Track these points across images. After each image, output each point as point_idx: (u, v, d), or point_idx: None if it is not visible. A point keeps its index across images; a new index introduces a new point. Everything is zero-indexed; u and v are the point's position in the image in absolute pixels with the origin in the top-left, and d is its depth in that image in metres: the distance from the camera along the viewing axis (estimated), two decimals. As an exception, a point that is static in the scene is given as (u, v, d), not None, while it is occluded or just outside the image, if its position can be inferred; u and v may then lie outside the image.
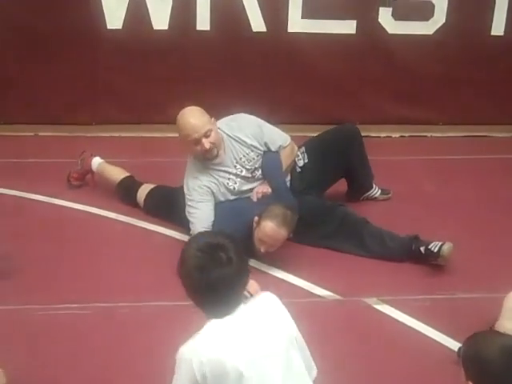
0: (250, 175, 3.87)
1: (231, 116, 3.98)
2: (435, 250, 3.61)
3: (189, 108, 3.80)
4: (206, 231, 2.31)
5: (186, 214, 3.76)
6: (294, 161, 4.06)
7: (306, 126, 5.06)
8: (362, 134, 4.93)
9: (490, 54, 5.29)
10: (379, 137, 5.40)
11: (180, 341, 3.08)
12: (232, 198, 3.86)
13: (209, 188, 3.79)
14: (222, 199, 3.82)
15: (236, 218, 3.67)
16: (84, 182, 4.50)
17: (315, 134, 4.51)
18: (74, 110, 5.18)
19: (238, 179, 3.85)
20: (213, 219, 3.73)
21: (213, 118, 3.79)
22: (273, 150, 3.95)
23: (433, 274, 3.63)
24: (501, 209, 4.39)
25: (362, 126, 5.33)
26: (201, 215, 3.73)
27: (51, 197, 4.32)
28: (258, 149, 3.92)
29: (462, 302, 3.39)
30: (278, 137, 4.00)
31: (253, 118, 3.97)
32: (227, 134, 3.86)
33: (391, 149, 5.24)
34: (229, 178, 3.83)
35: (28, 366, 2.81)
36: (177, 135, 5.06)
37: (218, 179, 3.81)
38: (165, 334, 3.14)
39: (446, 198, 4.52)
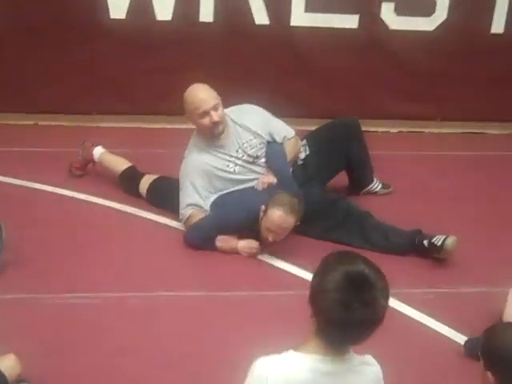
0: (251, 160, 3.91)
1: (238, 105, 4.05)
2: (438, 244, 3.65)
3: (196, 84, 3.87)
4: (349, 254, 1.94)
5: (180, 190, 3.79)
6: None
7: (306, 119, 5.08)
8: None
9: (489, 52, 5.33)
10: (377, 132, 5.44)
11: (190, 330, 3.17)
12: (232, 185, 3.88)
13: (206, 166, 3.81)
14: (220, 185, 3.84)
15: (242, 207, 3.70)
16: (86, 172, 4.50)
17: (313, 128, 4.55)
18: (75, 100, 5.15)
19: (239, 162, 3.89)
20: (202, 200, 3.76)
21: (219, 97, 3.84)
22: (277, 140, 4.02)
23: (436, 268, 3.69)
24: (499, 204, 4.47)
25: (360, 120, 5.39)
26: (191, 191, 3.78)
27: (55, 186, 4.31)
28: (262, 137, 3.97)
29: (466, 296, 3.44)
30: (282, 128, 4.07)
31: (259, 108, 4.05)
32: (232, 119, 3.93)
33: (389, 144, 5.28)
34: (229, 161, 3.88)
35: (39, 355, 2.82)
36: (179, 126, 5.19)
37: (217, 160, 3.85)
38: (175, 324, 3.19)
39: (445, 193, 4.58)
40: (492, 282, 3.51)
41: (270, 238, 3.62)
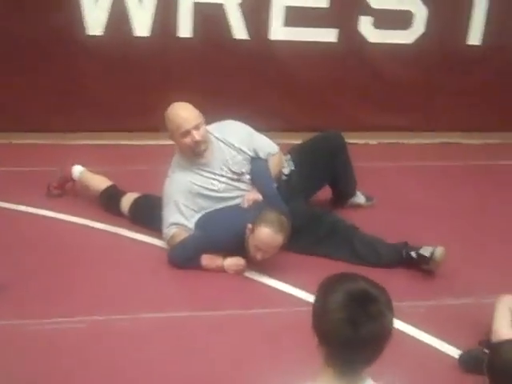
0: (235, 177, 3.88)
1: (221, 122, 4.00)
2: (427, 255, 3.64)
3: (178, 103, 3.84)
4: (348, 274, 1.87)
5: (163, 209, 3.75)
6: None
7: (286, 133, 5.07)
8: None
9: (467, 63, 5.40)
10: (357, 144, 5.44)
11: (180, 353, 3.09)
12: (217, 203, 3.83)
13: (189, 185, 3.76)
14: (204, 203, 3.78)
15: (228, 225, 3.65)
16: (64, 191, 4.40)
17: (293, 141, 4.53)
18: (50, 118, 5.06)
19: (223, 180, 3.85)
20: (185, 220, 3.71)
21: (201, 116, 3.81)
22: (261, 156, 3.98)
23: (425, 280, 3.66)
24: (480, 214, 4.49)
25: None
26: (174, 210, 3.72)
27: (32, 207, 4.20)
28: (246, 153, 3.93)
29: (456, 308, 3.41)
30: (266, 144, 4.04)
31: (242, 124, 4.02)
32: (215, 137, 3.89)
33: (369, 155, 5.28)
34: (213, 179, 3.84)
35: (26, 381, 2.72)
36: (156, 142, 5.12)
37: (201, 179, 3.81)
38: (165, 347, 3.11)
39: (428, 203, 4.58)
40: (481, 292, 3.51)
41: (259, 257, 3.57)
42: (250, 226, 3.56)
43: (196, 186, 3.78)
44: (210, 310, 3.38)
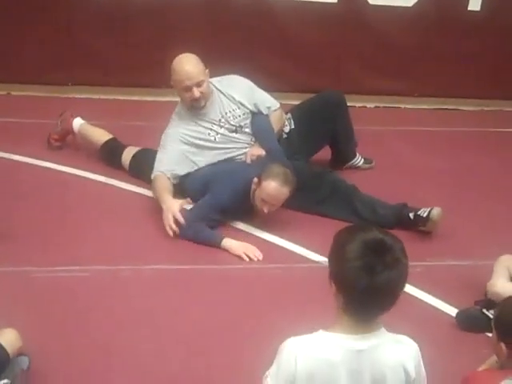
0: (233, 129, 3.92)
1: (224, 76, 4.04)
2: (424, 215, 3.70)
3: (186, 54, 3.86)
4: (362, 225, 1.94)
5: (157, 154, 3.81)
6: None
7: (282, 93, 5.05)
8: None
9: (466, 29, 5.41)
10: (354, 106, 5.45)
11: (182, 303, 3.15)
12: (212, 153, 3.86)
13: (185, 136, 3.81)
14: (198, 153, 3.82)
15: (232, 180, 3.68)
16: (64, 143, 4.40)
17: (290, 102, 4.54)
18: (49, 70, 5.05)
19: (221, 131, 3.89)
20: (174, 169, 3.75)
21: (207, 70, 3.85)
22: (263, 111, 4.02)
23: (422, 241, 3.72)
24: (477, 177, 4.55)
25: (337, 95, 5.46)
26: (164, 157, 3.79)
27: (34, 158, 4.22)
28: (246, 107, 3.97)
29: (452, 268, 3.48)
30: (267, 100, 4.08)
31: (245, 79, 4.06)
32: (217, 88, 3.94)
33: (367, 119, 5.30)
34: (211, 129, 3.88)
35: (34, 328, 2.75)
36: (155, 99, 5.11)
37: (198, 128, 3.86)
38: (166, 297, 3.15)
39: (425, 167, 4.63)
40: (477, 254, 3.58)
41: (266, 210, 3.61)
42: (255, 179, 3.59)
43: (191, 138, 3.83)
44: (213, 264, 3.43)
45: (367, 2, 5.25)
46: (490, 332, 2.36)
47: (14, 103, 4.97)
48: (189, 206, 3.67)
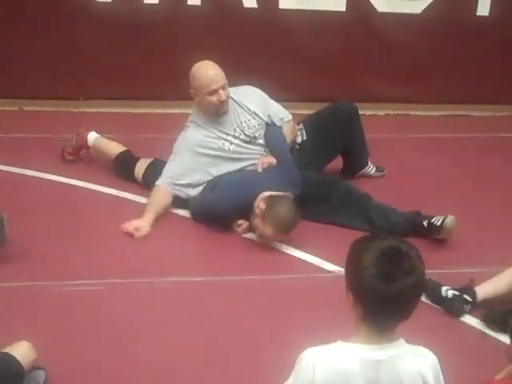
0: (248, 140, 3.94)
1: (238, 86, 4.07)
2: (438, 224, 3.69)
3: (205, 61, 3.92)
4: (377, 234, 1.97)
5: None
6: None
7: (292, 103, 5.06)
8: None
9: (475, 34, 5.40)
10: (365, 115, 5.43)
11: (196, 315, 3.15)
12: (226, 163, 3.87)
13: (198, 142, 3.82)
14: (210, 164, 3.84)
15: (240, 188, 3.71)
16: (78, 158, 4.42)
17: (300, 111, 4.54)
18: (61, 85, 5.08)
19: (235, 141, 3.91)
20: (182, 178, 3.79)
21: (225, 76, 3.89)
22: (276, 122, 4.05)
23: (436, 249, 3.70)
24: (490, 185, 4.53)
25: (347, 103, 5.46)
26: (173, 165, 3.83)
27: (46, 172, 4.24)
28: (261, 118, 4.00)
29: (469, 276, 3.44)
30: (280, 111, 4.12)
31: (259, 90, 4.10)
32: (232, 98, 3.96)
33: (377, 127, 5.29)
34: (225, 139, 3.90)
35: (49, 342, 2.76)
36: (166, 111, 5.13)
37: (213, 138, 3.88)
38: (181, 309, 3.16)
39: (437, 174, 4.62)
40: (492, 261, 3.54)
41: (258, 239, 3.67)
42: (260, 198, 3.59)
43: (205, 146, 3.84)
44: (226, 276, 3.43)
45: (376, 10, 5.26)
46: None
47: (26, 118, 5.01)
48: None
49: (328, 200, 3.87)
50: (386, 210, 3.84)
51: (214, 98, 3.80)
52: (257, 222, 3.64)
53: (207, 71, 3.84)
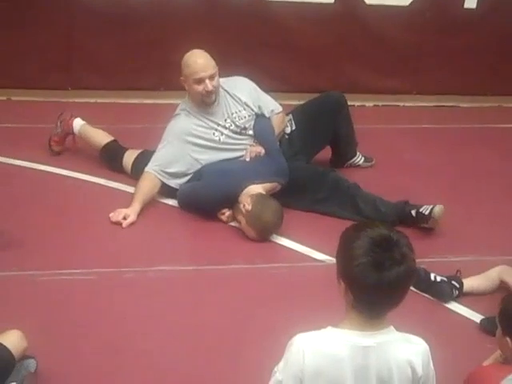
0: (238, 130, 3.95)
1: (230, 77, 4.07)
2: (426, 213, 3.71)
3: (196, 50, 3.93)
4: (368, 222, 1.93)
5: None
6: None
7: (281, 93, 5.06)
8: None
9: (462, 26, 5.42)
10: (353, 105, 5.45)
11: (186, 304, 3.16)
12: (215, 153, 3.88)
13: (189, 130, 3.82)
14: (199, 153, 3.85)
15: (226, 178, 3.74)
16: (65, 146, 4.38)
17: (288, 102, 4.54)
18: (49, 74, 5.04)
19: (226, 132, 3.92)
20: (171, 165, 3.80)
21: (217, 67, 3.88)
22: (265, 114, 4.06)
23: (425, 238, 3.73)
24: (477, 174, 4.56)
25: (336, 94, 5.47)
26: (162, 153, 3.83)
27: (34, 162, 4.22)
28: (251, 109, 4.01)
29: (457, 264, 3.45)
30: (271, 103, 4.12)
31: (250, 81, 4.10)
32: (224, 89, 3.96)
33: (366, 118, 5.31)
34: (216, 129, 3.91)
35: (40, 331, 2.76)
36: (155, 101, 5.12)
37: (203, 128, 3.88)
38: (171, 298, 3.17)
39: (425, 164, 4.65)
40: (481, 249, 3.60)
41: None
42: (246, 205, 3.60)
43: (196, 135, 3.85)
44: (215, 265, 3.44)
45: (364, 2, 5.26)
46: None
47: (14, 108, 4.97)
48: None
49: (317, 190, 3.89)
50: (374, 200, 3.86)
51: (200, 87, 3.81)
52: (240, 219, 3.66)
53: (197, 59, 3.86)
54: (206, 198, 3.70)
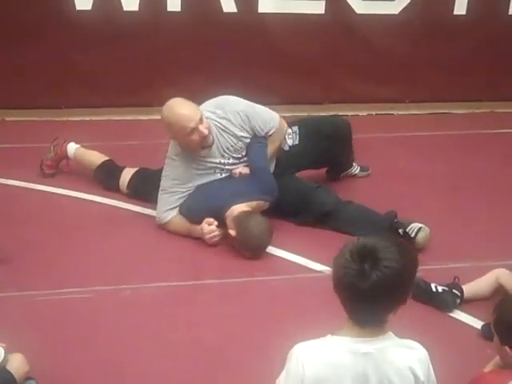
0: (237, 162, 3.87)
1: (215, 100, 3.84)
2: (412, 235, 3.66)
3: (173, 100, 3.70)
4: (359, 238, 1.95)
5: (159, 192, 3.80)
6: (285, 138, 4.03)
7: (274, 106, 5.02)
8: (330, 113, 5.12)
9: (453, 33, 5.43)
10: (347, 115, 5.47)
11: (185, 319, 3.15)
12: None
13: (191, 178, 3.76)
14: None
15: (210, 197, 3.73)
16: (58, 170, 4.37)
17: (283, 114, 4.51)
18: (43, 94, 5.05)
19: (227, 167, 3.85)
20: (177, 205, 3.77)
21: (198, 107, 3.71)
22: (262, 135, 3.88)
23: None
24: (472, 179, 4.56)
25: (329, 105, 5.49)
26: (169, 200, 3.77)
27: (30, 182, 4.23)
28: (247, 137, 3.85)
29: (453, 271, 3.43)
30: (267, 120, 3.89)
31: (240, 103, 3.83)
32: (215, 125, 3.77)
33: (360, 127, 5.28)
34: (216, 168, 3.82)
35: (40, 352, 2.75)
36: (149, 117, 5.12)
37: (205, 171, 3.79)
38: (169, 314, 3.17)
39: (420, 172, 4.65)
40: (477, 255, 3.59)
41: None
42: (231, 231, 3.61)
43: (197, 179, 3.77)
44: (214, 279, 3.45)
45: (354, 12, 5.29)
46: None
47: (8, 129, 4.99)
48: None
49: (299, 215, 3.88)
50: (360, 220, 3.79)
51: (195, 137, 3.61)
52: (233, 242, 3.66)
53: (178, 111, 3.61)
54: (192, 218, 3.71)
